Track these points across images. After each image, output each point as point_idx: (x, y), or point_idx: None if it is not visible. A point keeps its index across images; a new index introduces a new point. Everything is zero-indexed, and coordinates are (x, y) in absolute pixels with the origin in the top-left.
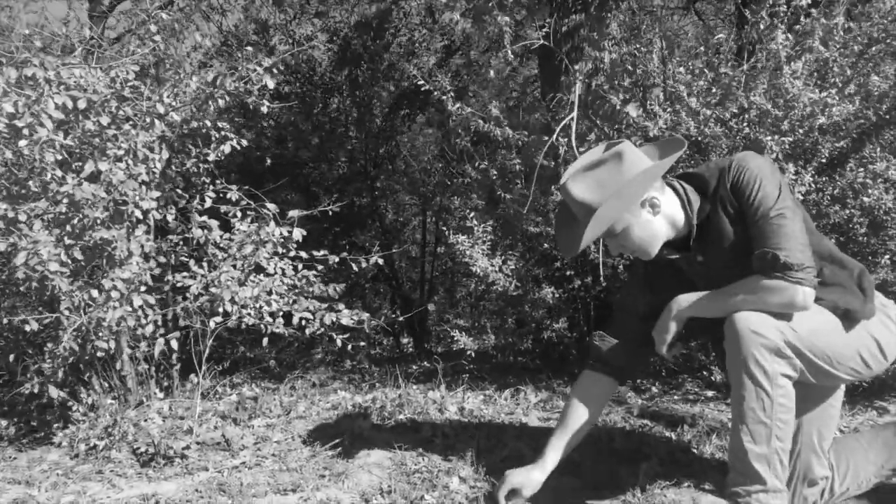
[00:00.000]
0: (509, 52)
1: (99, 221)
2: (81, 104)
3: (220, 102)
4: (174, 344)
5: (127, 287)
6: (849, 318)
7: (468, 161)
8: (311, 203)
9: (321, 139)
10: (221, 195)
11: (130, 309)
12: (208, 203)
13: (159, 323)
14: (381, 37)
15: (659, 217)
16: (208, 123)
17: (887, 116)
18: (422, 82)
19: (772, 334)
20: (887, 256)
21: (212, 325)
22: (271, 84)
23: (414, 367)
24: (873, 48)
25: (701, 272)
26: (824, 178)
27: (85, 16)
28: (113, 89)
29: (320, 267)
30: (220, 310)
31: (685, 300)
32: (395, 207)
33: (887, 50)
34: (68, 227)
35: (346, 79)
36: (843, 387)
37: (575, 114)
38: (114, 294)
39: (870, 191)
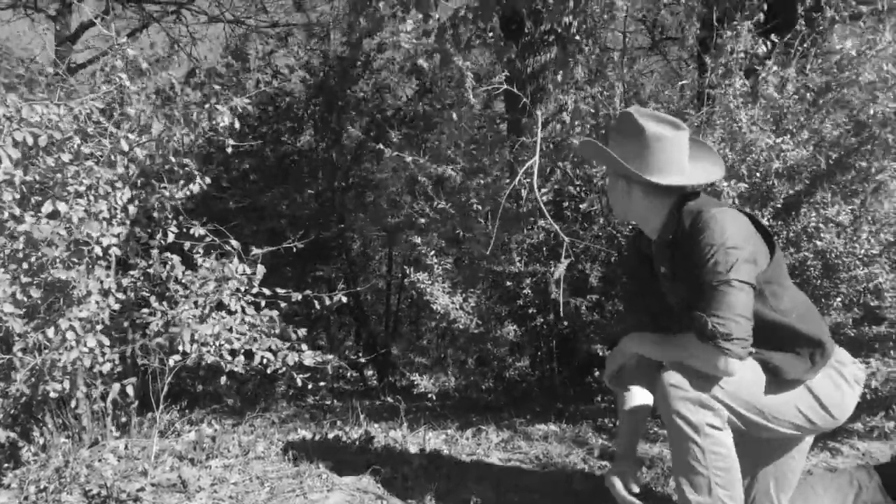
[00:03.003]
0: (471, 96)
1: (58, 261)
2: (42, 141)
3: (186, 140)
4: (129, 390)
5: (84, 327)
6: (777, 377)
7: (426, 201)
8: (276, 237)
9: (288, 172)
10: (185, 230)
11: (87, 349)
12: (171, 238)
13: (116, 362)
14: (350, 74)
15: (635, 201)
16: (173, 160)
17: (837, 163)
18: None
19: (694, 388)
20: (839, 299)
21: (171, 362)
22: (237, 124)
23: (377, 402)
24: (826, 96)
25: (663, 280)
26: (779, 222)
27: (51, 38)
28: (76, 126)
29: (283, 305)
30: (180, 348)
31: (636, 338)
32: (361, 239)
33: (838, 99)
34: (25, 265)
35: (316, 111)
36: (808, 439)
37: (537, 157)
38: (69, 335)
39: (822, 234)
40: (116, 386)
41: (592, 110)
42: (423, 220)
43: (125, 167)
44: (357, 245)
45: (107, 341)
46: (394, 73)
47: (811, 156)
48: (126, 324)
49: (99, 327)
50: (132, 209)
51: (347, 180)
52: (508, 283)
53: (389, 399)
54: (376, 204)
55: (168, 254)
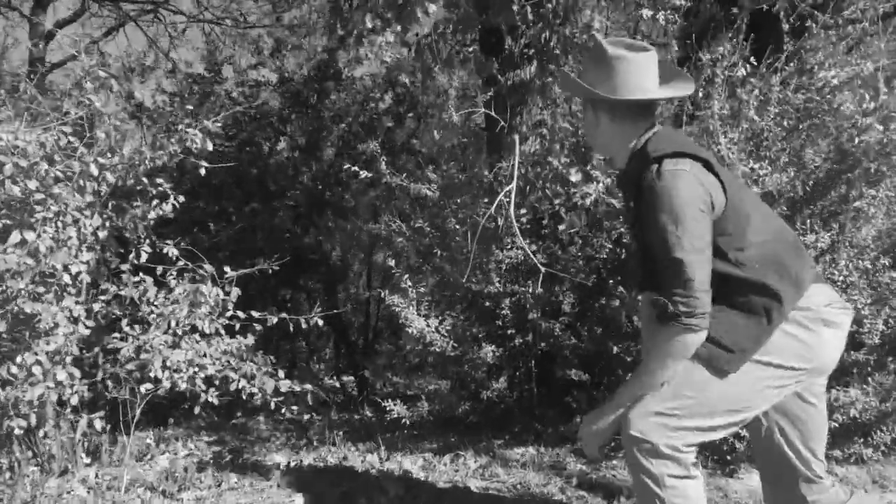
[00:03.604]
0: (453, 114)
1: (24, 292)
2: (7, 170)
3: (158, 162)
4: (98, 424)
5: (52, 358)
6: (715, 368)
7: (403, 220)
8: (254, 249)
9: (263, 181)
10: (158, 249)
11: (52, 384)
12: (144, 258)
13: (85, 394)
14: (326, 86)
15: (602, 128)
16: (145, 181)
17: (815, 189)
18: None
19: (653, 436)
20: None
21: (142, 390)
22: (210, 146)
23: (356, 416)
24: (806, 123)
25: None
26: None
27: (25, 36)
28: (43, 153)
29: (259, 328)
30: (152, 375)
31: (592, 416)
32: (340, 248)
33: (818, 125)
34: None
35: (292, 120)
36: (819, 381)
37: (514, 183)
38: (35, 369)
39: None
40: (85, 420)
41: (572, 127)
42: (400, 240)
43: (94, 192)
44: (336, 253)
45: (77, 373)
46: (372, 87)
47: (790, 181)
48: (97, 349)
49: (68, 359)
50: (102, 234)
51: (324, 193)
52: (487, 304)
53: (368, 413)
54: (354, 212)
55: (141, 275)
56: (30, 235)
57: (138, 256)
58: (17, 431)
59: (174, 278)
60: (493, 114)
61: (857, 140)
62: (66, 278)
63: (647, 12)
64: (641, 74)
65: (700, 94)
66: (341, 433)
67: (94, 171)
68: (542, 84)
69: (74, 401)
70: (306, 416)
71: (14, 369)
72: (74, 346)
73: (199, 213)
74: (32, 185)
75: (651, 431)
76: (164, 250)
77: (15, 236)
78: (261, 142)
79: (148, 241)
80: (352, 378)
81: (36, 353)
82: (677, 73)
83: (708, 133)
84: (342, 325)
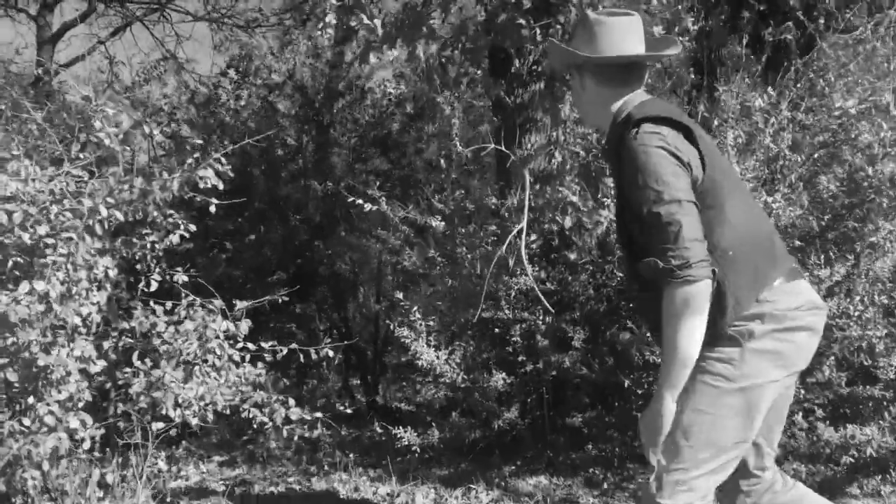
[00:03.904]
0: (459, 146)
1: (35, 343)
2: (17, 218)
3: (168, 195)
4: (109, 478)
5: (64, 406)
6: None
7: (412, 249)
8: (266, 266)
9: (276, 199)
10: (168, 277)
11: (65, 434)
12: (154, 286)
13: (97, 439)
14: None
15: (588, 93)
16: (155, 214)
17: (830, 225)
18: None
19: (674, 499)
20: (832, 357)
21: (154, 429)
22: (220, 185)
23: (367, 433)
24: (821, 151)
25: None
26: None
27: (33, 38)
28: (52, 198)
29: (269, 357)
30: (163, 412)
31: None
32: (350, 260)
33: (834, 154)
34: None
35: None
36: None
37: (524, 223)
38: (48, 419)
39: None
40: (97, 472)
41: (582, 151)
42: (404, 262)
43: (104, 231)
44: (346, 265)
45: (89, 420)
46: (382, 102)
47: (804, 216)
48: (108, 384)
49: (81, 404)
50: (113, 272)
51: (335, 208)
52: (497, 330)
53: (378, 429)
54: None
55: (152, 303)
56: (39, 285)
57: (148, 285)
58: (30, 483)
59: (185, 309)
60: (502, 149)
61: (871, 170)
62: (77, 320)
63: (658, 30)
64: (624, 37)
65: (715, 123)
66: (352, 455)
67: (104, 212)
68: (552, 97)
69: (87, 445)
70: (316, 432)
71: (27, 421)
72: (87, 393)
73: (213, 232)
74: (43, 230)
75: (670, 495)
76: (175, 278)
77: (24, 286)
78: (275, 158)
79: (158, 269)
80: (360, 390)
81: (48, 404)
82: (664, 39)
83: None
84: (351, 336)
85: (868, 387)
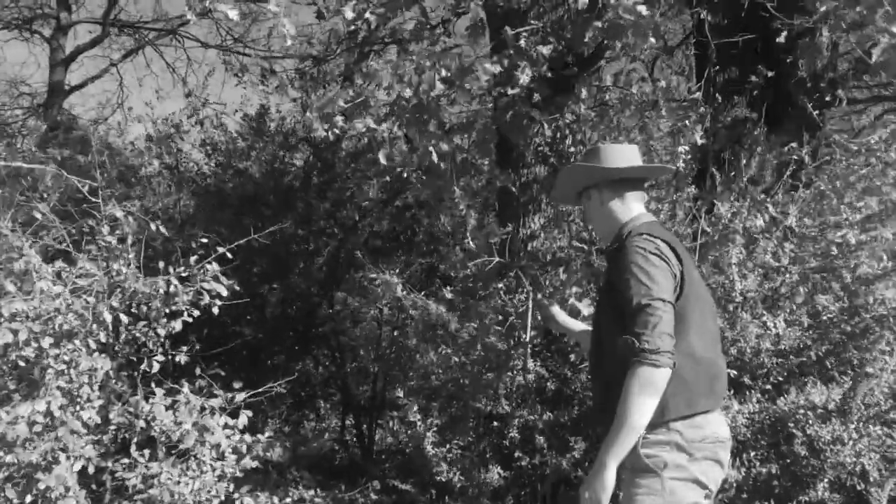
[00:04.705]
0: (470, 243)
1: (34, 462)
2: (22, 335)
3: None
4: None
5: None
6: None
7: (415, 348)
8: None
9: (283, 261)
10: (171, 356)
11: None
12: (156, 367)
13: None
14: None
15: (607, 206)
16: (158, 305)
17: (828, 354)
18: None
19: None
20: (826, 480)
21: None
22: (225, 292)
23: (360, 499)
24: (818, 276)
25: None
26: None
27: (45, 60)
28: (55, 307)
29: (261, 452)
30: None
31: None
32: (350, 324)
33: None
34: None
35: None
36: None
37: (528, 332)
38: None
39: (810, 422)
40: None
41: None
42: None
43: (107, 338)
44: (346, 327)
45: None
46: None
47: (801, 337)
48: (105, 475)
49: None
50: (112, 372)
51: (336, 274)
52: (495, 424)
53: (371, 484)
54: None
55: (153, 385)
56: (40, 406)
57: (150, 367)
58: None
59: (184, 405)
60: (504, 260)
61: (871, 299)
62: (78, 425)
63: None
64: (630, 155)
65: (716, 238)
66: None
67: (108, 317)
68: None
69: None
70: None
71: None
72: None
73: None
74: (46, 342)
75: None
76: (177, 357)
77: (26, 407)
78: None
79: (161, 349)
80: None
81: None
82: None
83: (725, 276)
84: (350, 396)
85: None
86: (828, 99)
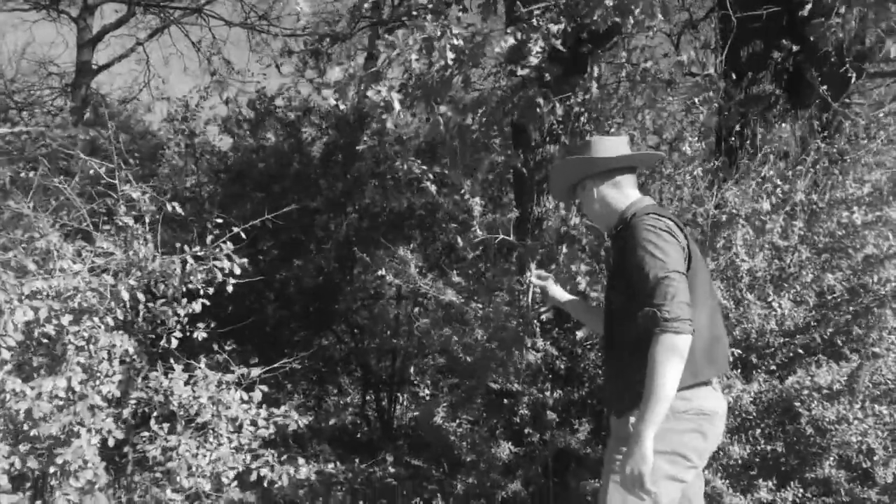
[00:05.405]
0: (478, 230)
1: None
2: (43, 313)
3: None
4: None
5: (80, 494)
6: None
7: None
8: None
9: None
10: (189, 333)
11: None
12: (174, 343)
13: None
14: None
15: (604, 196)
16: (176, 284)
17: (832, 337)
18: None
19: None
20: (832, 458)
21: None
22: (238, 270)
23: (378, 473)
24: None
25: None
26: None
27: (73, 40)
28: (75, 291)
29: (280, 421)
30: (178, 482)
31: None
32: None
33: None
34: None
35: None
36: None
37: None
38: None
39: (813, 405)
40: None
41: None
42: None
43: (125, 314)
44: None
45: (105, 501)
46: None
47: (805, 321)
48: (126, 447)
49: (98, 485)
50: (132, 348)
51: (352, 251)
52: (507, 401)
53: (391, 469)
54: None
55: (172, 361)
56: (61, 382)
57: (169, 342)
58: None
59: (202, 380)
60: (511, 239)
61: (874, 279)
62: (98, 399)
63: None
64: (620, 145)
65: (723, 219)
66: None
67: (126, 296)
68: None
69: None
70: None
71: None
72: (103, 480)
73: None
74: (66, 319)
75: None
76: (194, 334)
77: (48, 383)
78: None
79: (179, 326)
80: (375, 416)
81: (66, 493)
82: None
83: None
84: (369, 370)
85: (867, 489)
86: (850, 75)
